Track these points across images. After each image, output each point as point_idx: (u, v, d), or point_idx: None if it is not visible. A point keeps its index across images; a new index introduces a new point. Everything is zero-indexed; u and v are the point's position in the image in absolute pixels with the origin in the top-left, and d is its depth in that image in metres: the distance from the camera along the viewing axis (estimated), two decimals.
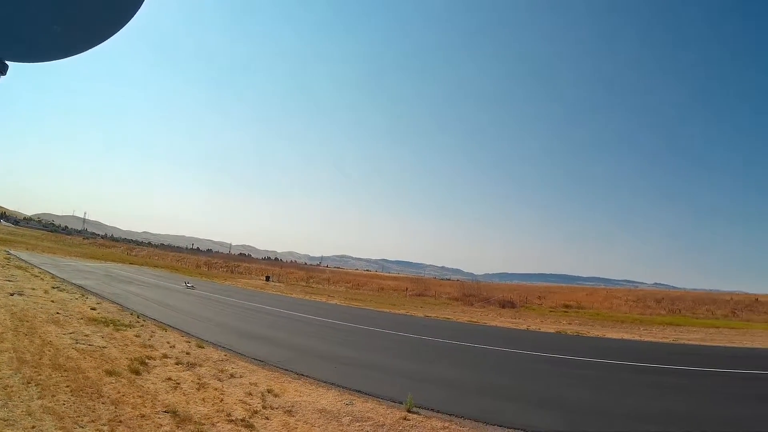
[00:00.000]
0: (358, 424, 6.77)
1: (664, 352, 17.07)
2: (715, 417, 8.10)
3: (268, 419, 6.53)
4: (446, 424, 7.07)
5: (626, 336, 22.34)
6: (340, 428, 6.53)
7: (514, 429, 7.04)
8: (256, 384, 8.51)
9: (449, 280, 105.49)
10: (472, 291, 48.27)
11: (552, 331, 23.56)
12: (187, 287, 29.15)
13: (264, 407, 7.08)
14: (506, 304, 40.20)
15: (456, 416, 7.51)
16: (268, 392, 7.99)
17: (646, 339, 21.53)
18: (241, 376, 9.02)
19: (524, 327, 24.96)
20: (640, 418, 7.91)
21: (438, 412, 7.68)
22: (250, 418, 6.45)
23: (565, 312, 38.17)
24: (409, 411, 7.47)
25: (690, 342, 20.89)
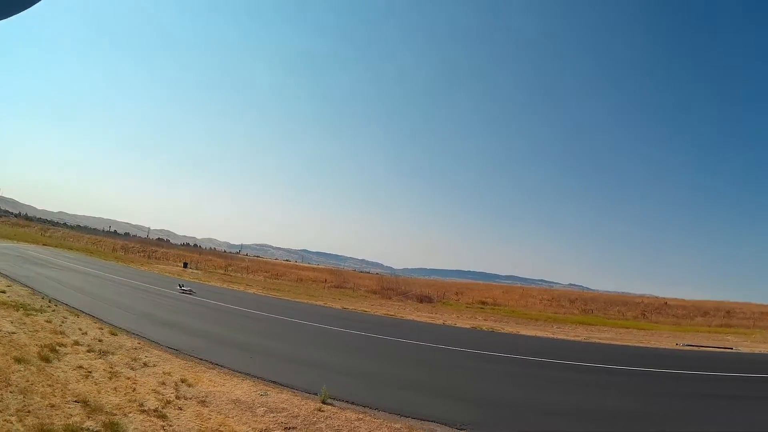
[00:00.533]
0: (272, 415, 7.08)
1: (575, 350, 18.73)
2: (624, 412, 9.12)
3: (181, 409, 6.78)
4: (360, 416, 7.47)
5: (539, 333, 24.14)
6: (255, 419, 6.83)
7: (428, 421, 7.54)
8: (169, 373, 8.72)
9: (368, 273, 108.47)
10: (390, 285, 49.67)
11: (468, 326, 25.02)
12: (183, 291, 24.67)
13: (177, 397, 7.32)
14: (424, 299, 41.95)
15: (371, 408, 7.95)
16: (182, 382, 8.23)
17: (558, 337, 23.34)
18: (154, 365, 9.19)
19: (440, 322, 26.29)
20: (553, 411, 8.84)
21: (353, 403, 8.11)
22: (163, 408, 6.67)
23: (482, 308, 40.28)
24: (323, 402, 7.86)
25: (601, 341, 22.79)
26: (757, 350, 23.15)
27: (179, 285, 26.13)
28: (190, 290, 25.10)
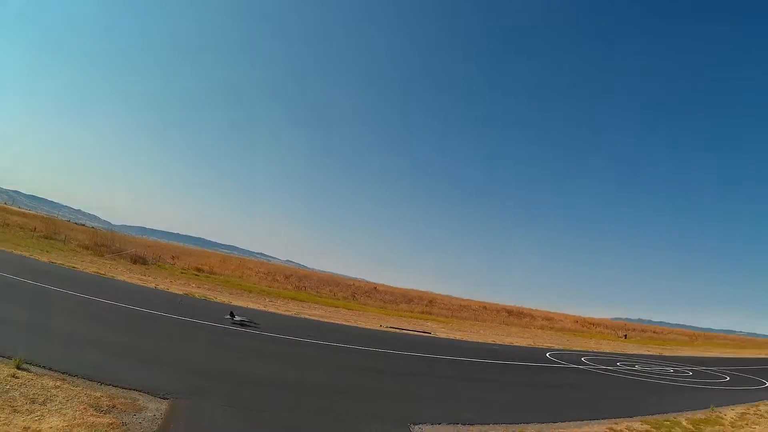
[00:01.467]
0: None
1: (286, 324, 21.40)
2: (327, 384, 11.07)
3: None
4: (59, 383, 7.30)
5: (251, 305, 26.69)
6: None
7: (131, 390, 7.75)
8: None
9: (84, 225, 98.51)
10: (105, 241, 47.16)
11: (180, 292, 25.89)
12: (235, 321, 17.63)
13: None
14: (138, 260, 41.67)
15: (70, 375, 7.84)
16: None
17: (269, 309, 26.21)
18: None
19: (152, 285, 26.65)
20: (253, 382, 10.14)
21: (51, 369, 7.90)
22: None
23: (196, 275, 41.99)
24: (18, 368, 7.53)
25: (311, 317, 26.35)
26: (452, 336, 29.80)
27: (230, 313, 18.43)
28: (251, 321, 18.34)
